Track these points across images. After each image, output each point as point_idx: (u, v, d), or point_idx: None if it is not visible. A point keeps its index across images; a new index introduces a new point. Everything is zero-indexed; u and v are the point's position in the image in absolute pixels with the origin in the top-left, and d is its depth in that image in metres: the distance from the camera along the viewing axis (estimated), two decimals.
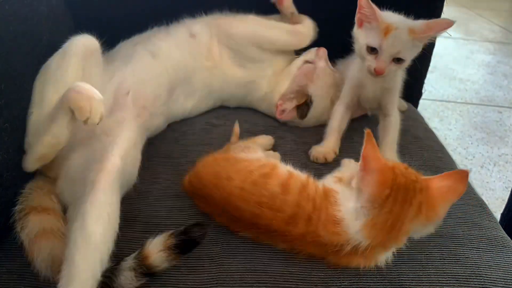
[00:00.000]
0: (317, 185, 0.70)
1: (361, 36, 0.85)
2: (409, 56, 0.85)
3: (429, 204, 0.62)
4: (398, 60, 0.84)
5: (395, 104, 0.94)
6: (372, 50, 0.84)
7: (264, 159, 0.77)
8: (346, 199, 0.66)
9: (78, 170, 0.72)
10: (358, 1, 0.83)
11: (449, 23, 0.81)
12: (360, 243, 0.62)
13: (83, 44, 0.81)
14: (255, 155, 0.79)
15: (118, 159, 0.70)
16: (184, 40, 0.99)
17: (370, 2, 0.82)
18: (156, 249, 0.62)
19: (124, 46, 0.98)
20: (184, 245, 0.63)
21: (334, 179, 0.75)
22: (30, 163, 0.74)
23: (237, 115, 1.04)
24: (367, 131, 0.65)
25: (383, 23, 0.81)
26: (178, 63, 0.96)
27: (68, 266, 0.59)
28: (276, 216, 0.65)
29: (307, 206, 0.65)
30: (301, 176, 0.72)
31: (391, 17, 0.84)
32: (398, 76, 0.93)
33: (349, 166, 0.82)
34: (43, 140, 0.72)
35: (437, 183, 0.63)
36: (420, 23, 0.83)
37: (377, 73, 0.84)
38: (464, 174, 0.63)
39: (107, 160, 0.69)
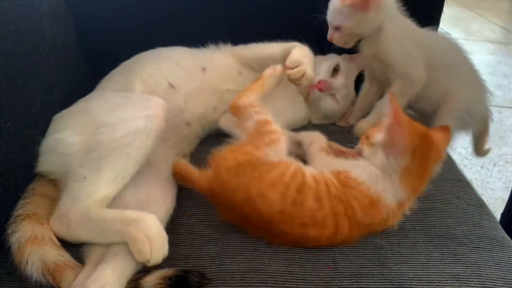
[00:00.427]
0: (331, 179, 0.70)
1: None
2: (347, 23, 0.91)
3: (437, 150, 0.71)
4: (337, 28, 0.93)
5: (404, 70, 0.94)
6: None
7: (291, 163, 0.71)
8: (364, 169, 0.70)
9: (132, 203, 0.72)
10: None
11: None
12: (402, 197, 0.69)
13: (163, 118, 0.75)
14: (280, 154, 0.72)
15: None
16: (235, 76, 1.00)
17: None
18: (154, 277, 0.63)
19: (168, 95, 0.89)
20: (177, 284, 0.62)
21: (323, 153, 0.77)
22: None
23: None
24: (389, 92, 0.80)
25: None
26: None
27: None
28: (322, 233, 0.66)
29: (340, 208, 0.66)
30: (317, 176, 0.70)
31: None
32: (385, 43, 0.93)
33: (312, 137, 0.83)
34: (78, 233, 0.68)
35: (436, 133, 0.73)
36: None
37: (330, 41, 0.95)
38: (447, 129, 0.75)
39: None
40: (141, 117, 0.73)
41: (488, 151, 1.10)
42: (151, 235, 0.63)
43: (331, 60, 1.05)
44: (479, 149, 1.09)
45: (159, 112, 0.75)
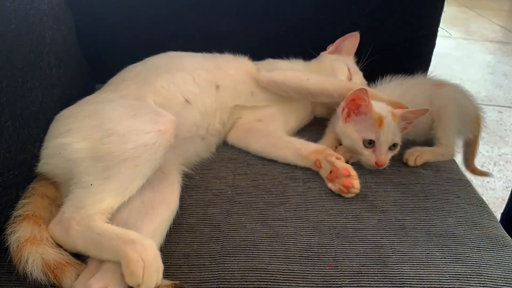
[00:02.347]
0: None
1: (352, 131, 0.85)
2: (399, 139, 0.86)
3: None
4: (394, 146, 0.85)
5: None
6: (369, 143, 0.83)
7: None
8: None
9: (133, 213, 0.71)
10: (352, 95, 0.82)
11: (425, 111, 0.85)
12: None
13: (172, 134, 0.75)
14: None
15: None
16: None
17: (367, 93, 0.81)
18: None
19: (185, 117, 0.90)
20: None
21: None
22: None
23: None
24: None
25: (375, 113, 0.82)
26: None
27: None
28: None
29: None
30: None
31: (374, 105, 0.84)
32: None
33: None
34: (75, 241, 0.66)
35: None
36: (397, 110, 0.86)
37: (379, 166, 0.83)
38: None
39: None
40: (151, 131, 0.73)
41: (484, 173, 1.04)
42: (147, 259, 0.60)
43: None
44: (469, 162, 1.05)
45: (169, 129, 0.75)
